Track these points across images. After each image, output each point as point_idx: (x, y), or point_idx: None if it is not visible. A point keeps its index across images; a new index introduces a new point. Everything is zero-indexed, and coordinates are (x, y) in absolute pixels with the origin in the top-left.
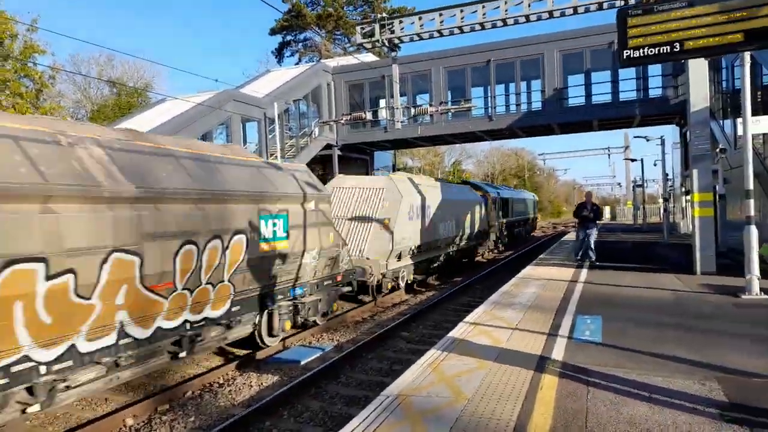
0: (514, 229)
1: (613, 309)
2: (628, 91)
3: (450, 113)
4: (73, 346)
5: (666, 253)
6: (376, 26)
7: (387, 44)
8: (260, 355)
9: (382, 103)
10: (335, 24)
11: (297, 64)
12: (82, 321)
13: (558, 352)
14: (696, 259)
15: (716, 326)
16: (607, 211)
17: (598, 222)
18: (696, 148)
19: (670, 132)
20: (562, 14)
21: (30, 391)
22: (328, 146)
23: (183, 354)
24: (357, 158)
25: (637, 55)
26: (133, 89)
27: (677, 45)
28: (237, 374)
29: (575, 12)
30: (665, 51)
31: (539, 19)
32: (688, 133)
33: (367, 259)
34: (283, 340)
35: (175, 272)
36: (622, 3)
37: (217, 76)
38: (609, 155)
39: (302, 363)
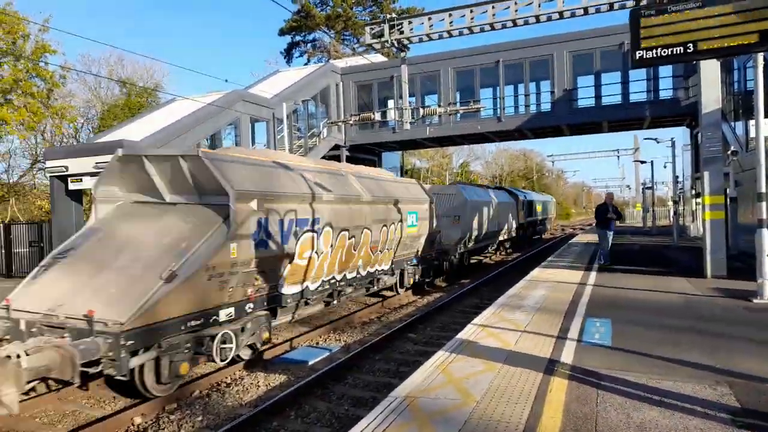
0: (536, 227)
1: (622, 312)
2: (639, 92)
3: (458, 114)
4: (345, 275)
5: (676, 256)
6: (386, 27)
7: (396, 45)
8: (268, 355)
9: (391, 103)
10: (344, 25)
11: (306, 64)
12: (349, 263)
13: (567, 355)
14: (707, 262)
15: (727, 330)
16: None
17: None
18: (707, 151)
19: (680, 134)
20: (573, 15)
21: (330, 295)
22: (337, 147)
23: (373, 289)
24: (365, 159)
25: (650, 55)
26: (143, 89)
27: (690, 46)
28: (245, 374)
29: (586, 13)
30: (678, 52)
31: (549, 19)
32: (699, 135)
33: (446, 243)
34: (291, 340)
35: (378, 241)
36: (634, 3)
37: (225, 76)
38: (618, 157)
39: (310, 363)
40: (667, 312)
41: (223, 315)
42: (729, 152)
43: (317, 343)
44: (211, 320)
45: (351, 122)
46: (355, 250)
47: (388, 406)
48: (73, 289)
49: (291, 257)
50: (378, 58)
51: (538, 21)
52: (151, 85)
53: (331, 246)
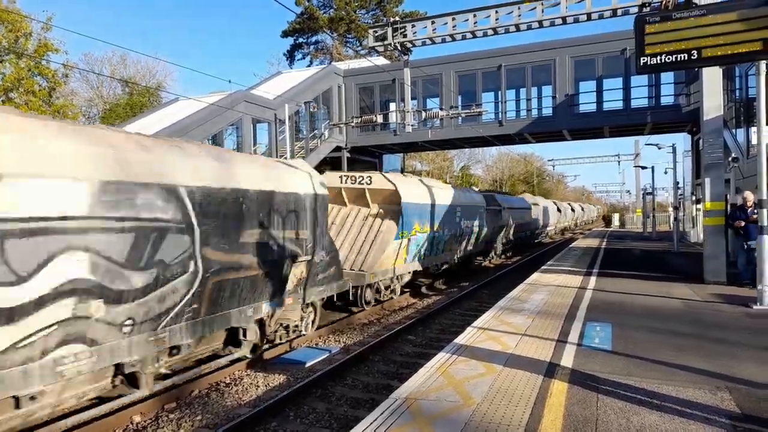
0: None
1: (622, 317)
2: (640, 98)
3: (460, 117)
4: None
5: (676, 262)
6: (389, 30)
7: (399, 48)
8: (267, 355)
9: (392, 106)
10: (347, 27)
11: (308, 66)
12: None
13: (567, 359)
14: (706, 268)
15: (727, 336)
16: (616, 219)
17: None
18: (708, 157)
19: (681, 140)
20: (576, 20)
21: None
22: (338, 148)
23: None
24: (366, 161)
25: (654, 62)
26: (145, 89)
27: (694, 53)
28: (244, 374)
29: (589, 18)
30: (682, 58)
31: (552, 24)
32: (700, 141)
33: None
34: (290, 341)
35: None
36: (637, 10)
37: (228, 77)
38: (619, 162)
39: (308, 365)
40: (668, 317)
41: None
42: (730, 159)
43: (316, 344)
44: None
45: (352, 124)
46: None
47: (389, 407)
48: None
49: None
50: (380, 60)
51: (541, 26)
52: (153, 84)
53: None
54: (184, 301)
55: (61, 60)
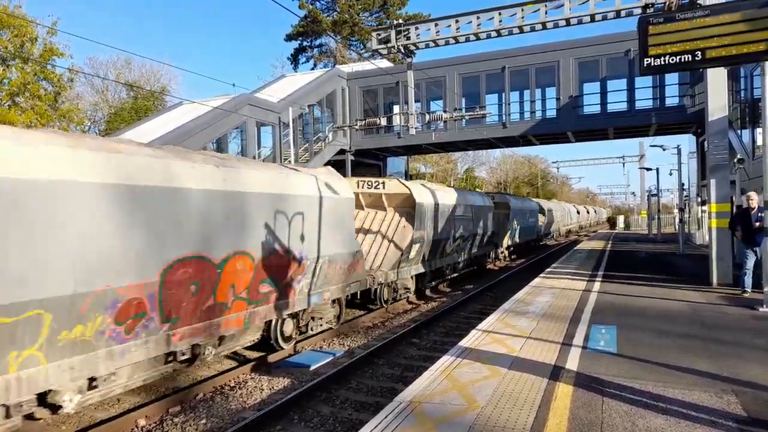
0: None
1: (627, 319)
2: (645, 99)
3: (464, 120)
4: None
5: (682, 264)
6: (392, 32)
7: (402, 50)
8: (272, 358)
9: (396, 108)
10: (351, 30)
11: (312, 69)
12: None
13: (572, 362)
14: (712, 270)
15: (733, 338)
16: (620, 221)
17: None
18: (713, 158)
19: (686, 141)
20: (579, 22)
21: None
22: (342, 151)
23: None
24: (370, 164)
25: (658, 63)
26: (149, 93)
27: (698, 54)
28: (248, 377)
29: (592, 20)
30: (686, 59)
31: (556, 26)
32: (705, 142)
33: None
34: (295, 344)
35: None
36: (641, 11)
37: (232, 80)
38: (623, 164)
39: (312, 368)
40: (673, 320)
41: None
42: (735, 160)
43: (321, 347)
44: None
45: (356, 127)
46: None
47: (393, 411)
48: None
49: None
50: (384, 63)
51: (544, 27)
52: (158, 88)
53: None
54: (486, 241)
55: (67, 64)
